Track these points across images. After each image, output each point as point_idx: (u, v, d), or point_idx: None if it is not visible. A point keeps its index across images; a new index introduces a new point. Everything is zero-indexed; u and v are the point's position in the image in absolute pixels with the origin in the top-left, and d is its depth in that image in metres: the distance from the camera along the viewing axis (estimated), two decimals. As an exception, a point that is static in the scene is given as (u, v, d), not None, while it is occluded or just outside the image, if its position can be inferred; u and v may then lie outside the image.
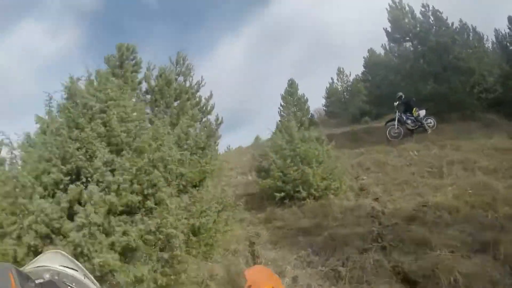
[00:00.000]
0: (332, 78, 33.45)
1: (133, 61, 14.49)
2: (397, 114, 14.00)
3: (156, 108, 14.24)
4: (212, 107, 15.82)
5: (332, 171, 9.58)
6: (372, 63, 26.78)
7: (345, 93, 32.90)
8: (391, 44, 18.61)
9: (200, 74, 19.84)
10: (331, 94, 37.33)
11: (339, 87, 33.52)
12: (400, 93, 14.61)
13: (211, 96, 15.77)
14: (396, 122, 13.76)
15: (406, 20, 17.35)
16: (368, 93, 26.17)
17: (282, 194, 9.23)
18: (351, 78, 32.71)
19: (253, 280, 1.32)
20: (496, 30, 22.24)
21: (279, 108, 31.52)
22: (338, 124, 25.68)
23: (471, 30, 22.27)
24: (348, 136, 16.98)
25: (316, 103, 45.05)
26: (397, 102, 14.53)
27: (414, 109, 14.15)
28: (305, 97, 31.26)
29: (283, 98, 31.44)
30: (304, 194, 9.00)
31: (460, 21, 20.05)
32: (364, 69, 28.67)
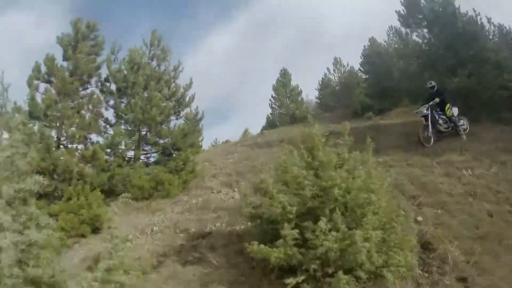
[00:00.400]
0: (328, 69, 30.60)
1: (93, 41, 11.31)
2: (427, 110, 10.74)
3: (119, 100, 11.19)
4: (192, 98, 12.80)
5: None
6: (373, 52, 23.97)
7: (340, 85, 30.06)
8: (405, 29, 15.72)
9: (183, 61, 16.95)
10: (324, 86, 34.50)
11: (335, 78, 30.66)
12: (432, 82, 11.28)
13: (190, 84, 12.74)
14: (429, 122, 10.58)
15: (424, 2, 14.50)
16: (368, 85, 23.38)
17: (300, 276, 4.90)
18: (348, 69, 29.87)
19: None
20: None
21: (270, 99, 28.60)
22: (333, 118, 22.83)
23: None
24: (354, 135, 14.21)
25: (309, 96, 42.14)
26: (430, 94, 11.29)
27: (448, 105, 10.99)
28: (299, 88, 28.50)
29: (274, 88, 28.48)
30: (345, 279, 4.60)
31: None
32: (363, 59, 25.84)
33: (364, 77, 25.75)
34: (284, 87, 28.35)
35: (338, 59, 30.33)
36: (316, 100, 32.99)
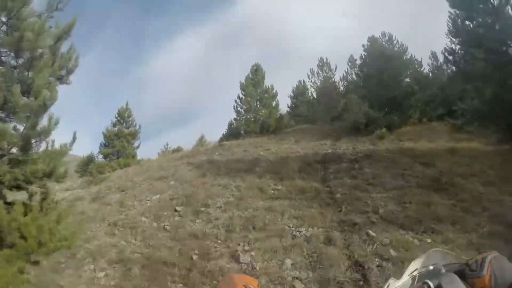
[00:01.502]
0: (308, 74, 24.50)
1: None
2: None
3: None
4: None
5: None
6: (376, 53, 18.16)
7: (323, 93, 24.07)
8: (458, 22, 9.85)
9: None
10: (299, 93, 28.59)
11: (316, 83, 24.68)
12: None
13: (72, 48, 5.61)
14: None
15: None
16: (369, 93, 17.44)
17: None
18: (337, 72, 23.96)
19: None
20: None
21: (235, 100, 21.84)
22: (322, 133, 16.68)
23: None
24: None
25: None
26: None
27: None
28: (274, 90, 22.02)
29: (242, 87, 21.78)
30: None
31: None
32: (362, 61, 20.06)
33: (360, 83, 19.93)
34: (254, 86, 21.75)
35: (325, 60, 24.33)
36: (287, 109, 26.94)
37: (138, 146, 21.62)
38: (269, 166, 10.30)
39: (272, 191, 8.42)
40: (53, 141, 4.90)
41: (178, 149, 23.80)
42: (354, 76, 23.61)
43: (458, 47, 10.99)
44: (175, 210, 8.17)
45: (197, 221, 7.57)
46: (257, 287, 1.51)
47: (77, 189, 13.99)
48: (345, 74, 24.75)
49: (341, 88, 24.04)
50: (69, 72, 5.53)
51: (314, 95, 26.79)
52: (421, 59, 20.45)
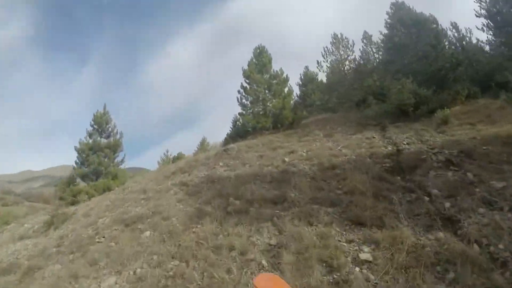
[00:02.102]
0: (325, 50, 19.86)
1: None
2: None
3: None
4: None
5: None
6: (405, 19, 13.90)
7: (343, 75, 19.56)
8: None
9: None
10: (308, 80, 24.27)
11: (326, 66, 20.12)
12: None
13: None
14: None
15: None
16: (403, 66, 13.25)
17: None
18: (355, 49, 19.32)
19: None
20: None
21: (239, 91, 17.44)
22: (342, 123, 12.59)
23: None
24: None
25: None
26: None
27: None
28: (285, 74, 17.60)
29: (245, 75, 17.36)
30: None
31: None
32: (388, 30, 15.75)
33: (389, 57, 15.56)
34: (260, 72, 17.35)
35: (339, 36, 19.73)
36: (296, 99, 22.47)
37: (122, 160, 17.36)
38: (314, 187, 6.03)
39: (357, 267, 3.95)
40: None
41: (179, 157, 19.67)
42: (374, 53, 19.14)
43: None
44: None
45: None
46: None
47: (37, 233, 9.87)
48: (362, 54, 20.05)
49: (362, 66, 19.49)
50: None
51: (328, 80, 22.27)
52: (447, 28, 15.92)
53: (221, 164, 10.24)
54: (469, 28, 14.72)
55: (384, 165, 6.61)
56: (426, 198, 5.02)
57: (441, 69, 12.35)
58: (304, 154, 8.95)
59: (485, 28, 13.05)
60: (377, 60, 17.96)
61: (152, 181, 11.42)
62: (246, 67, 17.37)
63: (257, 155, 10.21)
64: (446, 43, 14.27)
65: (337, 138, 10.37)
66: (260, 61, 17.66)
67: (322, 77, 23.63)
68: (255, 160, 9.65)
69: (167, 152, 21.76)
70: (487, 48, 13.92)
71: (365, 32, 19.93)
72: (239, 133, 15.88)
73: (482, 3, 12.94)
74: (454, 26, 15.18)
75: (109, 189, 13.79)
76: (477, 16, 12.95)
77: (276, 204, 5.58)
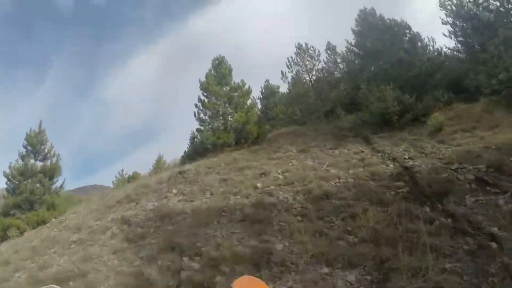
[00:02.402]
0: (289, 60, 18.25)
1: None
2: None
3: None
4: None
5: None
6: (376, 25, 12.93)
7: (312, 85, 18.02)
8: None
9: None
10: (269, 93, 22.58)
11: (298, 73, 18.53)
12: None
13: None
14: None
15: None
16: (378, 73, 12.14)
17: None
18: (321, 59, 17.98)
19: None
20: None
21: (196, 105, 15.20)
22: (315, 137, 11.11)
23: None
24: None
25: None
26: None
27: None
28: (247, 86, 15.73)
29: (204, 86, 15.23)
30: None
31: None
32: (358, 37, 14.70)
33: (361, 64, 14.34)
34: (220, 84, 15.32)
35: (304, 46, 18.27)
36: (258, 111, 20.57)
37: (61, 186, 14.28)
38: (310, 230, 4.00)
39: None
40: None
41: (134, 176, 16.65)
42: (339, 63, 17.94)
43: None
44: None
45: None
46: None
47: None
48: (328, 63, 18.73)
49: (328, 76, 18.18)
50: None
51: (292, 91, 20.60)
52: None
53: (175, 191, 8.01)
54: (431, 37, 14.14)
55: (398, 191, 4.83)
56: (493, 245, 3.24)
57: (418, 74, 11.20)
58: (281, 176, 6.98)
59: (452, 35, 12.44)
60: (345, 69, 16.69)
61: (91, 213, 8.97)
62: (204, 79, 15.25)
63: (220, 178, 8.11)
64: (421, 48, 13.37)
65: (317, 155, 8.59)
66: (219, 72, 15.62)
67: (285, 89, 22.18)
68: (217, 185, 7.53)
69: (122, 171, 18.49)
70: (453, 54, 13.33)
71: (329, 43, 18.78)
72: (197, 150, 13.61)
73: (448, 8, 12.35)
74: (417, 35, 14.52)
75: (43, 222, 10.95)
76: (443, 23, 12.37)
77: (257, 266, 3.49)
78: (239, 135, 13.60)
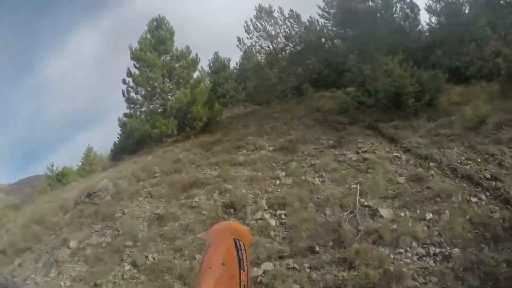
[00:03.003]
0: (247, 25, 14.41)
1: None
2: None
3: None
4: None
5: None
6: None
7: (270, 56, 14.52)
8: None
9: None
10: (219, 67, 18.50)
11: (253, 45, 14.79)
12: None
13: None
14: None
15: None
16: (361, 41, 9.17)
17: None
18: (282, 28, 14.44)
19: (211, 240, 0.99)
20: None
21: (125, 81, 10.99)
22: (287, 123, 7.89)
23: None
24: None
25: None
26: None
27: None
28: (193, 54, 11.87)
29: (137, 55, 11.01)
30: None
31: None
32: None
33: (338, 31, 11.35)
34: (157, 51, 11.28)
35: (267, 8, 14.51)
36: (208, 86, 16.39)
37: None
38: None
39: None
40: None
41: (63, 173, 12.07)
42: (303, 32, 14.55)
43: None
44: None
45: None
46: (248, 237, 1.05)
47: None
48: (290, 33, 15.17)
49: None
50: None
51: (249, 64, 16.85)
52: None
53: (72, 244, 4.44)
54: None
55: None
56: None
57: (425, 47, 8.47)
58: (273, 222, 3.77)
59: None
60: (313, 38, 13.46)
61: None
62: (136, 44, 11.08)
63: (154, 208, 4.69)
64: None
65: (316, 159, 5.54)
66: (157, 36, 11.52)
67: (237, 61, 18.48)
68: (149, 233, 4.17)
69: (52, 166, 13.49)
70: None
71: (291, 10, 15.16)
72: (125, 145, 9.75)
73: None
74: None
75: None
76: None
77: None
78: (182, 121, 10.01)
